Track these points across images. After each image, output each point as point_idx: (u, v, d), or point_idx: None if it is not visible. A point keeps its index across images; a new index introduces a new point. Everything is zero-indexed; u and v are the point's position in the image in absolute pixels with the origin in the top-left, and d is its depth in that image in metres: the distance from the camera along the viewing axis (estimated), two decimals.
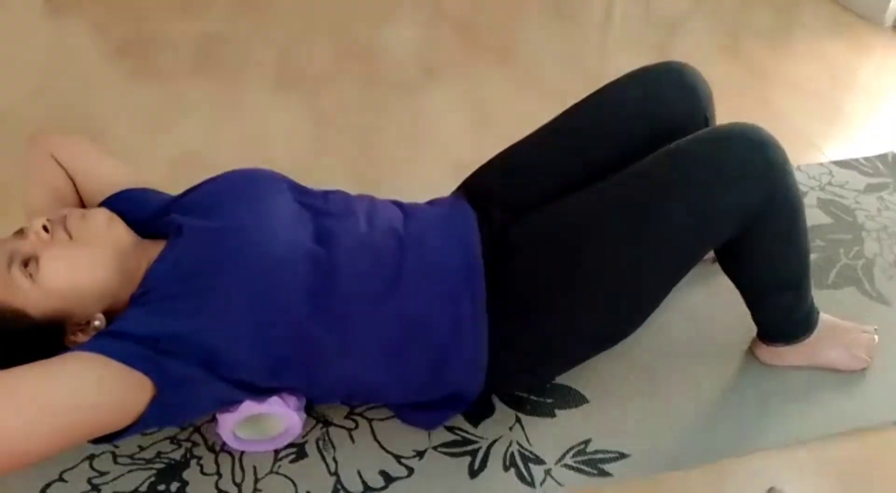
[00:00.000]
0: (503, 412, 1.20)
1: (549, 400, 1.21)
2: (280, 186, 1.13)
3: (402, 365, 1.06)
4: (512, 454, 1.14)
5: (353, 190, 1.23)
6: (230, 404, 1.05)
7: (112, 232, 1.02)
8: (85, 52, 2.31)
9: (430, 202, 1.23)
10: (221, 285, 0.96)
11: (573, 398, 1.22)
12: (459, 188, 1.29)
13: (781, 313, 1.21)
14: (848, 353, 1.25)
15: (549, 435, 1.17)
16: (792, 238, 1.12)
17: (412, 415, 1.16)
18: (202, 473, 1.11)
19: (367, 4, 2.60)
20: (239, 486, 1.09)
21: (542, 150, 1.25)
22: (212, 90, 2.09)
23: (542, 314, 1.07)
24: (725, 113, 1.30)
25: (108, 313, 1.00)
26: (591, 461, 1.13)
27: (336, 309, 1.00)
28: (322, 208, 1.12)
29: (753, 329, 1.28)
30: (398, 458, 1.13)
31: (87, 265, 0.97)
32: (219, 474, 1.11)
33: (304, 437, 1.15)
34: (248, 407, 1.05)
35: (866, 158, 1.77)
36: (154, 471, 1.10)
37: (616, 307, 1.08)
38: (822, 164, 1.74)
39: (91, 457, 1.12)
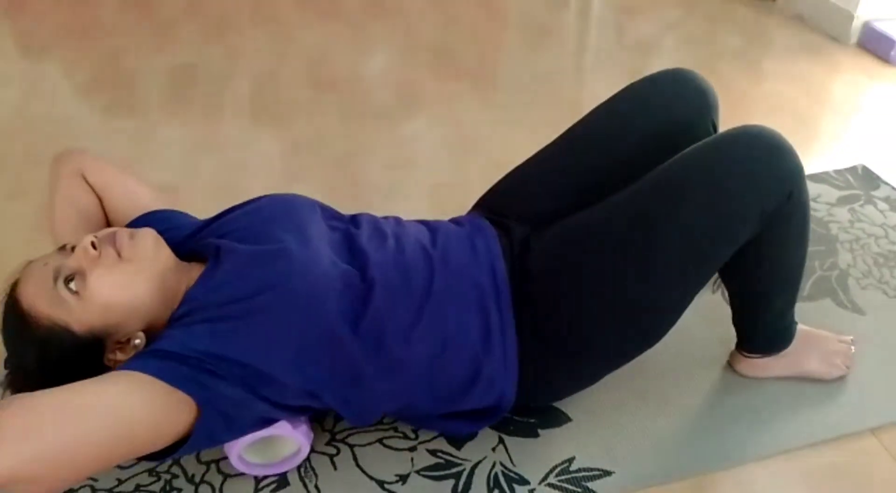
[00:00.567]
0: (486, 433, 1.19)
1: (533, 420, 1.21)
2: (313, 210, 1.15)
3: (437, 379, 1.07)
4: (496, 475, 1.13)
5: None
6: (268, 423, 1.05)
7: (159, 253, 1.02)
8: (58, 88, 2.31)
9: (452, 220, 1.24)
10: (264, 307, 0.97)
11: (556, 418, 1.21)
12: (476, 207, 1.31)
13: (771, 319, 1.21)
14: (826, 362, 1.26)
15: (533, 455, 1.16)
16: (800, 238, 1.13)
17: (444, 424, 1.16)
18: None
19: (342, 34, 2.62)
20: None
21: (555, 161, 1.27)
22: (187, 123, 2.09)
23: (567, 325, 1.08)
24: None
25: (147, 331, 1.01)
26: (575, 479, 1.12)
27: (371, 328, 1.01)
28: (352, 230, 1.14)
29: (731, 344, 1.29)
30: (381, 483, 1.12)
31: (133, 283, 0.98)
32: None
33: None
34: (262, 430, 1.05)
35: (837, 172, 1.80)
36: None
37: (640, 315, 1.08)
38: None
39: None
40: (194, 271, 1.06)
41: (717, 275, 1.21)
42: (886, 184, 1.75)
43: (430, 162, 1.91)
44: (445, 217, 1.25)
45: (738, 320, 1.24)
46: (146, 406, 0.89)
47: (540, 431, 1.19)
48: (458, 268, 1.09)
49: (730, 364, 1.30)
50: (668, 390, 1.26)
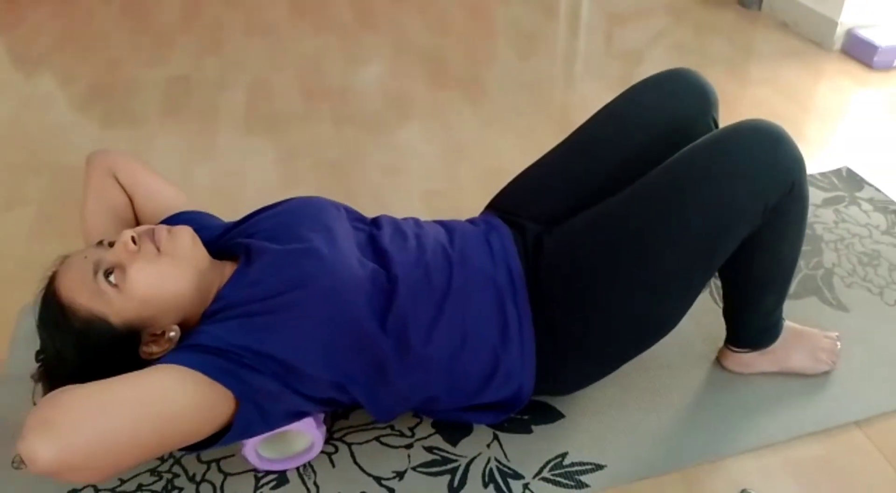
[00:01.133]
0: (481, 430, 1.22)
1: (526, 417, 1.23)
2: (339, 212, 1.20)
3: (457, 373, 1.10)
4: (491, 471, 1.16)
5: None
6: (298, 416, 1.08)
7: (195, 249, 1.06)
8: (55, 99, 2.34)
9: (468, 220, 1.28)
10: (297, 303, 1.01)
11: (549, 414, 1.24)
12: (489, 207, 1.34)
13: (763, 313, 1.24)
14: (812, 357, 1.29)
15: (527, 450, 1.19)
16: (798, 231, 1.16)
17: (465, 415, 1.18)
18: None
19: (334, 45, 2.66)
20: None
21: (564, 161, 1.30)
22: (183, 132, 2.12)
23: (582, 319, 1.11)
24: None
25: (181, 326, 1.04)
26: (568, 474, 1.15)
27: (396, 324, 1.05)
28: (374, 232, 1.18)
29: (719, 342, 1.32)
30: (378, 480, 1.15)
31: (171, 277, 1.01)
32: None
33: None
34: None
35: (822, 174, 1.83)
36: None
37: (650, 307, 1.11)
38: None
39: (73, 492, 1.12)
40: (226, 269, 1.10)
41: None
42: (870, 185, 1.79)
43: (423, 168, 1.94)
44: (439, 220, 1.28)
45: (729, 314, 1.27)
46: (189, 398, 0.93)
47: (533, 427, 1.22)
48: (475, 266, 1.13)
49: (718, 361, 1.33)
50: (658, 386, 1.29)
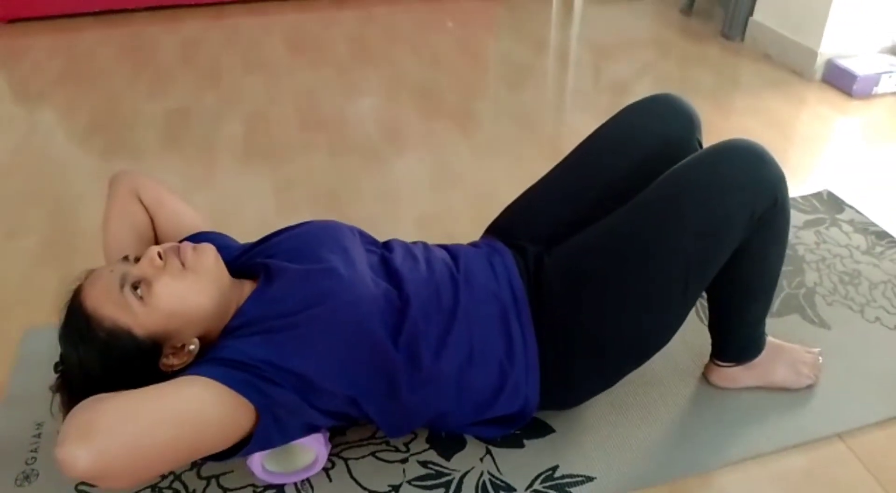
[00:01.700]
0: (474, 445, 1.25)
1: (518, 432, 1.26)
2: (354, 235, 1.25)
3: (466, 389, 1.14)
4: (484, 483, 1.18)
5: None
6: (312, 429, 1.12)
7: (218, 267, 1.10)
8: (56, 132, 2.40)
9: (470, 244, 1.33)
10: (317, 319, 1.05)
11: (541, 429, 1.27)
12: (489, 231, 1.40)
13: (748, 324, 1.28)
14: (795, 371, 1.33)
15: (519, 464, 1.21)
16: (782, 242, 1.22)
17: (475, 430, 1.22)
18: None
19: (330, 78, 2.73)
20: None
21: (559, 183, 1.36)
22: (182, 163, 2.17)
23: (583, 334, 1.16)
24: None
25: (201, 339, 1.08)
26: (559, 486, 1.17)
27: (408, 342, 1.10)
28: (387, 254, 1.23)
29: (705, 358, 1.36)
30: None
31: (195, 292, 1.05)
32: None
33: None
34: None
35: (803, 197, 1.89)
36: None
37: (647, 322, 1.16)
38: None
39: None
40: (246, 287, 1.14)
41: None
42: (850, 208, 1.84)
43: (416, 194, 1.99)
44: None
45: (715, 326, 1.32)
46: (216, 408, 0.97)
47: (525, 441, 1.25)
48: (480, 286, 1.19)
49: (704, 376, 1.36)
50: (646, 401, 1.32)
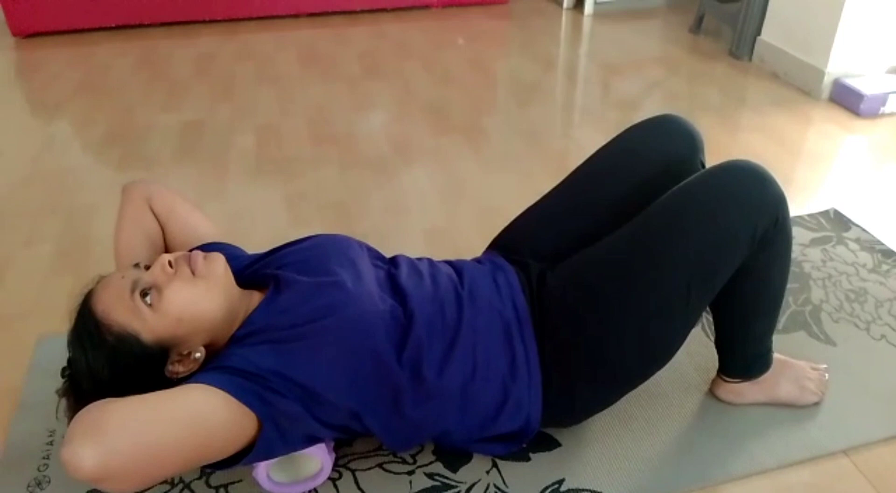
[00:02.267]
0: (480, 458, 1.26)
1: (524, 445, 1.27)
2: (362, 250, 1.27)
3: (469, 405, 1.15)
4: None
5: None
6: (313, 441, 1.13)
7: (227, 276, 1.12)
8: (72, 144, 2.44)
9: (474, 260, 1.35)
10: (324, 331, 1.07)
11: (547, 443, 1.28)
12: (492, 247, 1.41)
13: (752, 342, 1.29)
14: (801, 388, 1.33)
15: (524, 477, 1.22)
16: (785, 261, 1.23)
17: (479, 447, 1.23)
18: None
19: (341, 93, 2.76)
20: None
21: (562, 202, 1.37)
22: (195, 174, 2.20)
23: (585, 352, 1.17)
24: None
25: (208, 348, 1.10)
26: None
27: (411, 357, 1.11)
28: (393, 270, 1.25)
29: (710, 373, 1.37)
30: None
31: (205, 300, 1.07)
32: None
33: None
34: None
35: (810, 215, 1.90)
36: None
37: (650, 340, 1.17)
38: None
39: None
40: (254, 297, 1.16)
41: None
42: (857, 226, 1.85)
43: (424, 208, 2.02)
44: (439, 259, 1.35)
45: (721, 344, 1.32)
46: (220, 415, 0.98)
47: (531, 455, 1.26)
48: (483, 302, 1.20)
49: (711, 391, 1.37)
50: (652, 415, 1.33)
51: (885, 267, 1.70)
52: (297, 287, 1.13)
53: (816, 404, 1.34)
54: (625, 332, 1.15)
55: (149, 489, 1.17)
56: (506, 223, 1.42)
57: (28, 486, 1.22)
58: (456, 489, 1.21)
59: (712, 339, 1.35)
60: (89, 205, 2.04)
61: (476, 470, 1.24)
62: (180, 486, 1.21)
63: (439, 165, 2.24)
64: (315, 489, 1.21)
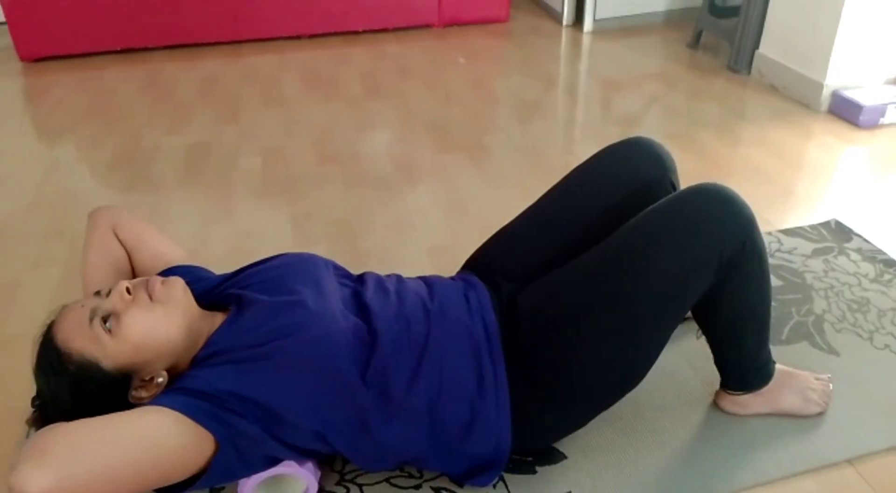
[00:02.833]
0: None
1: (530, 459, 1.28)
2: (327, 268, 1.28)
3: (437, 424, 1.14)
4: None
5: None
6: (275, 462, 1.13)
7: (186, 299, 1.13)
8: (79, 166, 2.47)
9: (449, 278, 1.36)
10: (283, 351, 1.07)
11: (553, 456, 1.29)
12: (466, 266, 1.42)
13: (745, 358, 1.30)
14: (804, 398, 1.34)
15: (531, 490, 1.23)
16: (759, 284, 1.23)
17: (453, 470, 1.22)
18: None
19: (344, 113, 2.79)
20: None
21: (533, 223, 1.39)
22: (201, 195, 2.23)
23: (553, 373, 1.17)
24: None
25: (170, 371, 1.10)
26: None
27: (376, 376, 1.11)
28: (359, 288, 1.26)
29: (714, 385, 1.38)
30: None
31: (163, 325, 1.08)
32: None
33: None
34: (272, 469, 1.13)
35: (811, 226, 1.91)
36: None
37: (618, 362, 1.17)
38: (770, 233, 1.88)
39: None
40: (217, 318, 1.16)
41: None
42: (858, 236, 1.86)
43: (428, 226, 2.03)
44: (443, 275, 1.36)
45: (716, 361, 1.33)
46: (173, 438, 0.98)
47: (537, 468, 1.27)
48: (453, 319, 1.20)
49: (715, 402, 1.38)
50: (656, 427, 1.34)
51: (886, 277, 1.71)
52: (258, 307, 1.13)
53: (820, 414, 1.34)
54: (592, 356, 1.16)
55: None
56: None
57: None
58: None
59: None
60: None
61: None
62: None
63: (442, 183, 2.26)
64: None
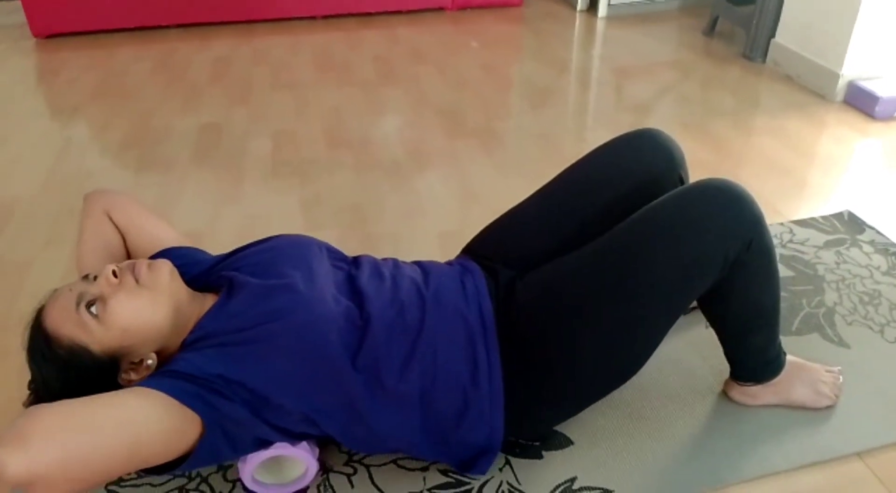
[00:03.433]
0: None
1: (537, 443, 1.28)
2: (321, 251, 1.27)
3: (429, 410, 1.14)
4: None
5: None
6: (265, 444, 1.13)
7: (173, 282, 1.12)
8: (90, 147, 2.47)
9: (445, 263, 1.35)
10: (271, 335, 1.07)
11: (559, 441, 1.29)
12: (465, 251, 1.41)
13: (755, 352, 1.30)
14: (814, 390, 1.33)
15: (537, 475, 1.23)
16: (766, 281, 1.22)
17: (458, 468, 1.22)
18: None
19: (357, 97, 2.79)
20: None
21: (537, 211, 1.38)
22: (212, 177, 2.23)
23: (549, 363, 1.16)
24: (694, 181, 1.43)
25: (159, 354, 1.10)
26: None
27: (368, 361, 1.10)
28: (353, 271, 1.25)
29: (723, 374, 1.37)
30: None
31: (149, 308, 1.07)
32: None
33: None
34: (270, 451, 1.13)
35: (824, 218, 1.90)
36: None
37: (615, 354, 1.17)
38: (782, 224, 1.87)
39: None
40: (208, 301, 1.16)
41: None
42: (871, 228, 1.85)
43: (439, 212, 2.03)
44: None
45: (726, 355, 1.33)
46: (158, 420, 0.98)
47: (544, 453, 1.27)
48: (448, 306, 1.19)
49: (724, 392, 1.37)
50: (663, 415, 1.34)
51: None
52: (247, 290, 1.12)
53: (830, 407, 1.34)
54: (590, 347, 1.15)
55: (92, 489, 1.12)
56: None
57: None
58: (469, 486, 1.22)
59: None
60: None
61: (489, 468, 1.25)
62: (197, 480, 1.23)
63: (453, 168, 2.26)
64: (330, 485, 1.22)
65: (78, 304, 1.04)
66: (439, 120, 2.58)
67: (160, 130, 2.54)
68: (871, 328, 1.53)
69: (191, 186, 2.18)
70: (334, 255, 1.31)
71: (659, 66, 3.02)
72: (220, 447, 1.06)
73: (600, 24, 3.54)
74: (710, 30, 3.27)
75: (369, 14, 3.67)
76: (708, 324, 1.51)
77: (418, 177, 2.21)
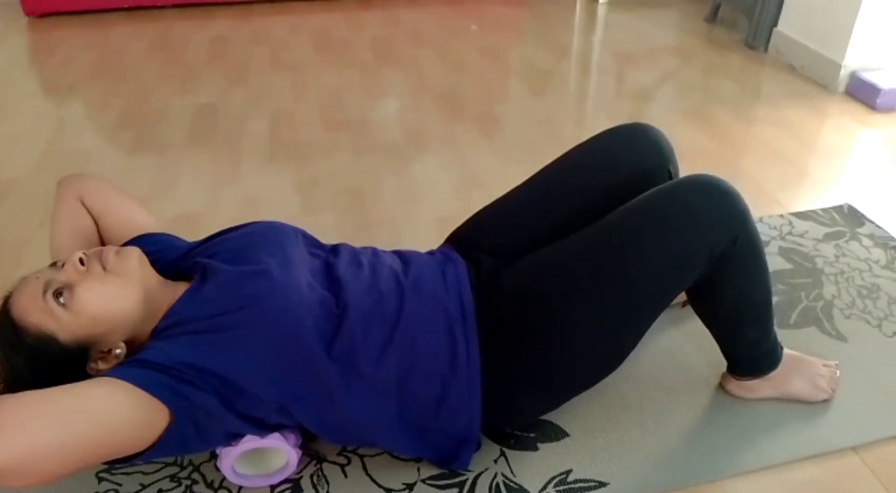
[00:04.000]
0: (488, 446, 1.26)
1: (532, 435, 1.28)
2: (297, 238, 1.25)
3: (407, 397, 1.13)
4: (497, 485, 1.20)
5: None
6: (236, 437, 1.11)
7: (142, 269, 1.10)
8: (86, 126, 2.45)
9: (426, 252, 1.34)
10: (243, 322, 1.05)
11: (554, 433, 1.29)
12: (448, 240, 1.40)
13: (749, 347, 1.29)
14: (812, 384, 1.33)
15: (532, 467, 1.23)
16: (754, 276, 1.21)
17: (439, 463, 1.21)
18: None
19: (355, 79, 2.76)
20: None
21: (524, 201, 1.36)
22: (208, 158, 2.21)
23: (529, 353, 1.15)
24: (692, 171, 1.41)
25: (129, 343, 1.08)
26: (572, 490, 1.19)
27: (343, 350, 1.09)
28: (331, 259, 1.23)
29: (719, 367, 1.37)
30: (389, 491, 1.19)
31: (117, 296, 1.05)
32: None
33: (298, 473, 1.22)
34: (249, 442, 1.12)
35: (824, 210, 1.89)
36: None
37: (597, 348, 1.16)
38: (782, 215, 1.86)
39: None
40: (179, 288, 1.14)
41: None
42: (871, 222, 1.84)
43: (436, 196, 2.02)
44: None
45: (721, 349, 1.32)
46: (126, 411, 0.96)
47: (539, 445, 1.27)
48: (427, 294, 1.18)
49: (721, 385, 1.37)
50: (660, 408, 1.33)
51: None
52: (220, 277, 1.10)
53: (827, 400, 1.34)
54: (572, 340, 1.14)
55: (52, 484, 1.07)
56: None
57: None
58: (463, 477, 1.21)
59: None
60: None
61: (484, 459, 1.24)
62: (190, 468, 1.23)
63: (452, 153, 2.24)
64: (323, 475, 1.22)
65: (45, 292, 1.02)
66: (438, 103, 2.56)
67: (157, 110, 2.51)
68: (869, 322, 1.53)
69: (187, 168, 2.16)
70: (311, 242, 1.29)
71: (660, 52, 3.00)
72: (188, 437, 1.04)
73: (602, 9, 3.51)
74: (713, 17, 3.25)
75: None
76: None
77: (417, 160, 2.20)
